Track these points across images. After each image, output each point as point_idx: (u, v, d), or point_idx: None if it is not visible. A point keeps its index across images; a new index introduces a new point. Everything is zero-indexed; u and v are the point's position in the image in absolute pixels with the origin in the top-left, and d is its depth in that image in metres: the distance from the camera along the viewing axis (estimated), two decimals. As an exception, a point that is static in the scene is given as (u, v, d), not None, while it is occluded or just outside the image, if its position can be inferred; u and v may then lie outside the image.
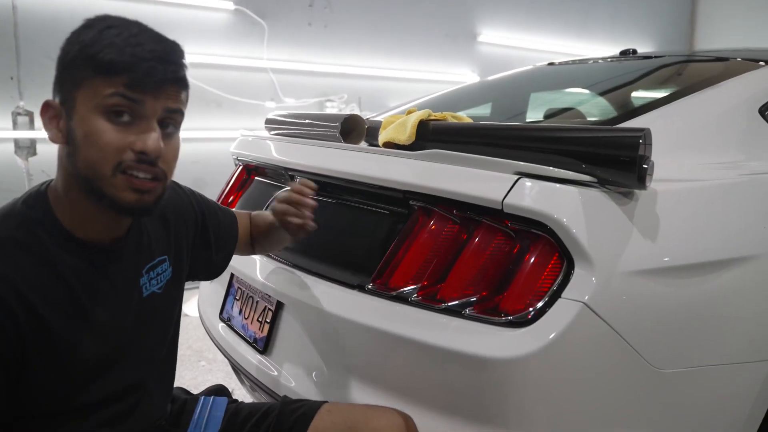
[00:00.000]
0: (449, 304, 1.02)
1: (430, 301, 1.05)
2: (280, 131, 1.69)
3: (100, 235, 0.90)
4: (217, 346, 1.56)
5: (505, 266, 1.01)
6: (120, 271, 0.94)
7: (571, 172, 0.98)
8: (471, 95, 2.24)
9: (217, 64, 3.35)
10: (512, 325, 0.96)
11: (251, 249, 1.32)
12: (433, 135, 1.21)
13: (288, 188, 1.22)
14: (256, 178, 1.75)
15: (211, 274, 1.24)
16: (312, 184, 1.20)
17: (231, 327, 1.51)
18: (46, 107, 0.85)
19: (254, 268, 1.44)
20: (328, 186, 1.38)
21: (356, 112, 3.89)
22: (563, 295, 0.95)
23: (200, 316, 1.73)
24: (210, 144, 3.34)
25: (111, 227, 0.92)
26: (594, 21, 5.08)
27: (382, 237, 1.20)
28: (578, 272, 0.95)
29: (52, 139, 0.86)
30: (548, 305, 0.95)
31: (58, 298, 0.85)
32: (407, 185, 1.12)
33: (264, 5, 3.57)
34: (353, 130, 1.44)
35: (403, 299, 1.07)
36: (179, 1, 3.19)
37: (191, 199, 1.16)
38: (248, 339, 1.41)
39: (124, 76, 0.81)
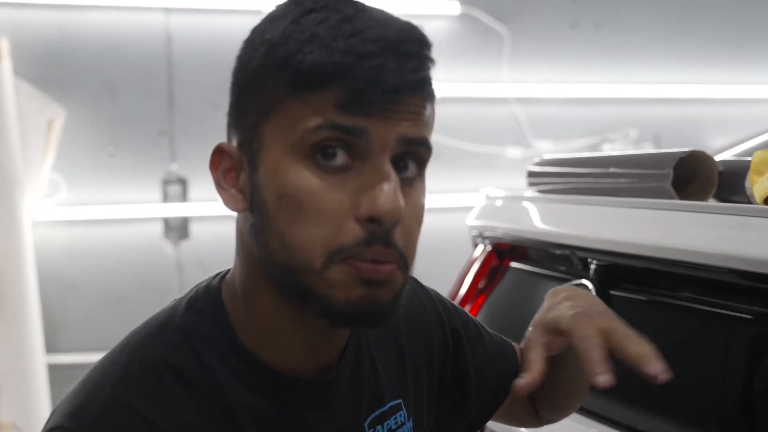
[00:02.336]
0: None
1: None
2: (556, 187, 1.70)
3: (298, 360, 0.87)
4: None
5: None
6: (328, 422, 0.90)
7: None
8: None
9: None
10: None
11: (532, 411, 1.22)
12: None
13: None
14: (513, 264, 1.76)
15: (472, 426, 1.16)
16: None
17: None
18: (219, 154, 0.84)
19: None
20: (653, 276, 1.37)
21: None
22: None
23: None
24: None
25: (317, 348, 0.88)
26: None
27: None
28: None
29: (230, 205, 0.84)
30: None
31: None
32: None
33: (503, 3, 3.66)
34: (695, 177, 1.38)
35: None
36: (388, 8, 3.38)
37: (438, 307, 1.11)
38: None
39: (335, 88, 0.76)
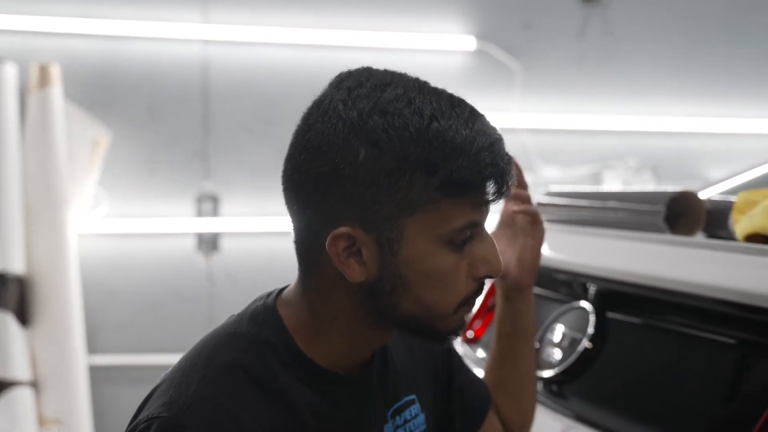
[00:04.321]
0: None
1: None
2: (563, 218, 1.71)
3: (345, 363, 0.96)
4: None
5: None
6: (365, 412, 0.98)
7: None
8: None
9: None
10: None
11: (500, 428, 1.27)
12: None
13: None
14: None
15: None
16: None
17: None
18: (338, 240, 0.87)
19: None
20: (646, 302, 1.35)
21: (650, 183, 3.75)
22: None
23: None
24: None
25: (365, 353, 0.99)
26: None
27: (751, 388, 1.13)
28: None
29: (353, 278, 0.89)
30: None
31: None
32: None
33: (516, 40, 3.67)
34: (684, 213, 1.40)
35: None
36: (403, 44, 3.41)
37: None
38: None
39: (479, 194, 0.87)
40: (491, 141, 0.87)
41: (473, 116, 0.89)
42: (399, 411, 1.04)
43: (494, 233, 1.21)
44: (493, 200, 0.88)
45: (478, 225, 0.89)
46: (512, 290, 1.23)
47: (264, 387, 0.90)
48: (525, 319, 1.24)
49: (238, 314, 0.98)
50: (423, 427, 1.07)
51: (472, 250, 0.90)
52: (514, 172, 0.89)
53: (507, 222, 1.24)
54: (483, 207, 0.89)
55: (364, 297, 0.91)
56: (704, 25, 3.92)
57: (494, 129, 0.90)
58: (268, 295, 0.99)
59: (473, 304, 0.94)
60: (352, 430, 0.97)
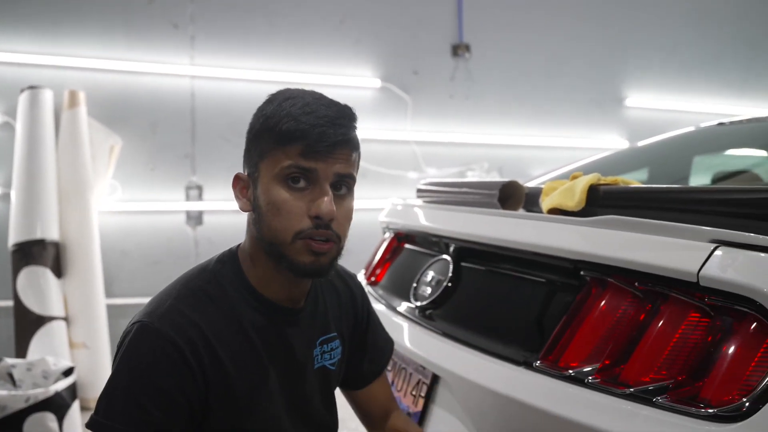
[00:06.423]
0: (635, 389, 0.89)
1: (611, 384, 0.93)
2: (434, 199, 1.68)
3: (280, 296, 0.93)
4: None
5: (702, 348, 0.87)
6: (297, 335, 0.95)
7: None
8: (623, 160, 2.11)
9: (363, 138, 3.46)
10: (718, 419, 0.81)
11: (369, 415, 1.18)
12: (605, 200, 1.12)
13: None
14: (406, 246, 1.74)
15: (353, 382, 1.15)
16: None
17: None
18: (237, 180, 0.90)
19: (408, 338, 1.40)
20: (486, 254, 1.33)
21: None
22: (784, 385, 0.79)
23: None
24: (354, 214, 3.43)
25: (291, 290, 0.94)
26: (757, 77, 4.67)
27: (549, 310, 1.11)
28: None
29: (242, 208, 0.90)
30: (764, 397, 0.80)
31: (241, 352, 0.88)
32: (579, 254, 1.03)
33: (408, 81, 3.69)
34: (511, 196, 1.39)
35: (577, 380, 0.96)
36: (332, 82, 3.42)
37: (363, 292, 1.14)
38: (401, 413, 1.35)
39: (299, 144, 0.84)
40: (312, 111, 0.85)
41: (319, 104, 0.87)
42: (326, 341, 1.01)
43: None
44: (311, 151, 0.84)
45: (309, 171, 0.85)
46: None
47: (219, 306, 0.88)
48: None
49: (209, 259, 0.96)
50: (339, 357, 1.04)
51: (309, 195, 0.86)
52: (330, 136, 0.85)
53: None
54: (308, 157, 0.85)
55: (253, 228, 0.90)
56: (531, 73, 4.02)
57: (336, 114, 0.87)
58: (234, 246, 0.97)
59: (316, 240, 0.86)
60: (287, 347, 0.94)
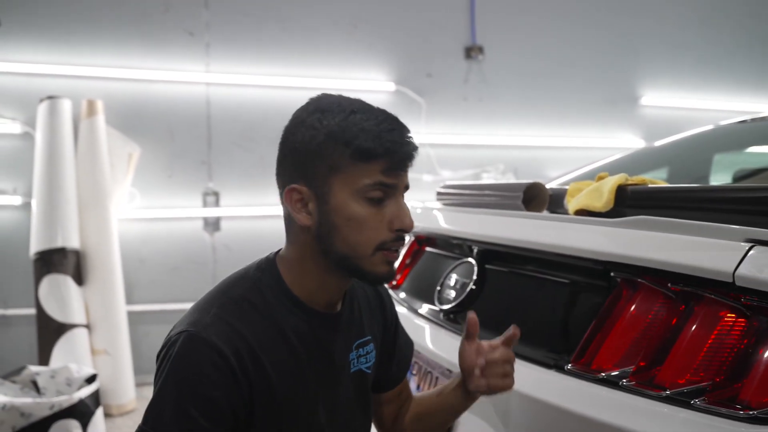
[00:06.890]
0: (672, 391, 0.88)
1: (646, 386, 0.92)
2: (454, 202, 1.68)
3: (321, 302, 0.93)
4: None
5: (739, 349, 0.86)
6: (336, 340, 0.95)
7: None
8: (642, 160, 2.09)
9: (379, 141, 3.47)
10: (759, 421, 0.80)
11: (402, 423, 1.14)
12: (633, 201, 1.11)
13: (467, 337, 1.02)
14: (427, 249, 1.73)
15: (385, 384, 1.13)
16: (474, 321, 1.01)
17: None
18: (293, 192, 0.87)
19: (433, 341, 1.39)
20: (512, 257, 1.32)
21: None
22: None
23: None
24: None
25: (333, 296, 0.94)
26: (774, 75, 4.62)
27: (578, 312, 1.11)
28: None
29: (301, 222, 0.88)
30: (806, 399, 0.78)
31: (284, 360, 0.88)
32: (609, 255, 1.02)
33: (421, 84, 3.68)
34: (535, 197, 1.38)
35: (611, 383, 0.95)
36: (346, 86, 3.43)
37: (389, 298, 1.14)
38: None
39: (382, 162, 0.84)
40: (391, 128, 0.85)
41: (388, 118, 0.87)
42: (362, 345, 1.01)
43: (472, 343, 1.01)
44: (394, 168, 0.85)
45: (389, 187, 0.86)
46: (465, 388, 1.03)
47: (261, 314, 0.88)
48: (456, 409, 1.06)
49: (247, 266, 0.95)
50: (373, 360, 1.04)
51: (389, 208, 0.87)
52: (411, 153, 0.86)
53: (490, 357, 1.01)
54: (390, 173, 0.85)
55: (314, 240, 0.88)
56: (544, 74, 4.00)
57: (403, 128, 0.88)
58: (272, 253, 0.97)
59: (393, 250, 0.88)
60: (327, 352, 0.94)
